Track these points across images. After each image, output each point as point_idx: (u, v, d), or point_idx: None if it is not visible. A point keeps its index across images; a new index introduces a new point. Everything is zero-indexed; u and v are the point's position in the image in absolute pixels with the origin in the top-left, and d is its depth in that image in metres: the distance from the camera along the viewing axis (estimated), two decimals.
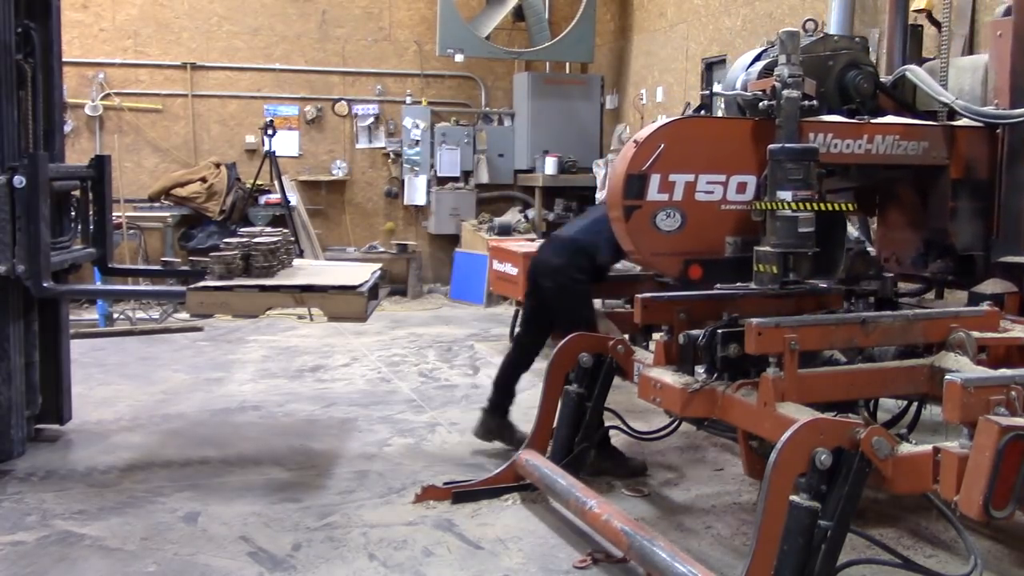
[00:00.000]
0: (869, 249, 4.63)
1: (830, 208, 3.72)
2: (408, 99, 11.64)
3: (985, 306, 3.90)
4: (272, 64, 11.37)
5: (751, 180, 3.85)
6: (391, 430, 5.57)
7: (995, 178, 4.42)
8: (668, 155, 3.76)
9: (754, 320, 3.36)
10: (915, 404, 4.34)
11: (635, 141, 3.81)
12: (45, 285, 4.68)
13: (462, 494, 4.35)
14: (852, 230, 4.66)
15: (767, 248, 3.70)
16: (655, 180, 3.74)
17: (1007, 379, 2.89)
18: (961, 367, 3.40)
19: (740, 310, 3.75)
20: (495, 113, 12.00)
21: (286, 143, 11.24)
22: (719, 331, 3.56)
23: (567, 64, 11.97)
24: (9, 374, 4.73)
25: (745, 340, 3.39)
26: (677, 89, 10.20)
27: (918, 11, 6.29)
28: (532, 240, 8.81)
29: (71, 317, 5.71)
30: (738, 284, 3.89)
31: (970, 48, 6.25)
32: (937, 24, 5.84)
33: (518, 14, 11.54)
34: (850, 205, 3.98)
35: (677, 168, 3.78)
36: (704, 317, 3.95)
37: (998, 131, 4.40)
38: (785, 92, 3.76)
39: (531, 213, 11.40)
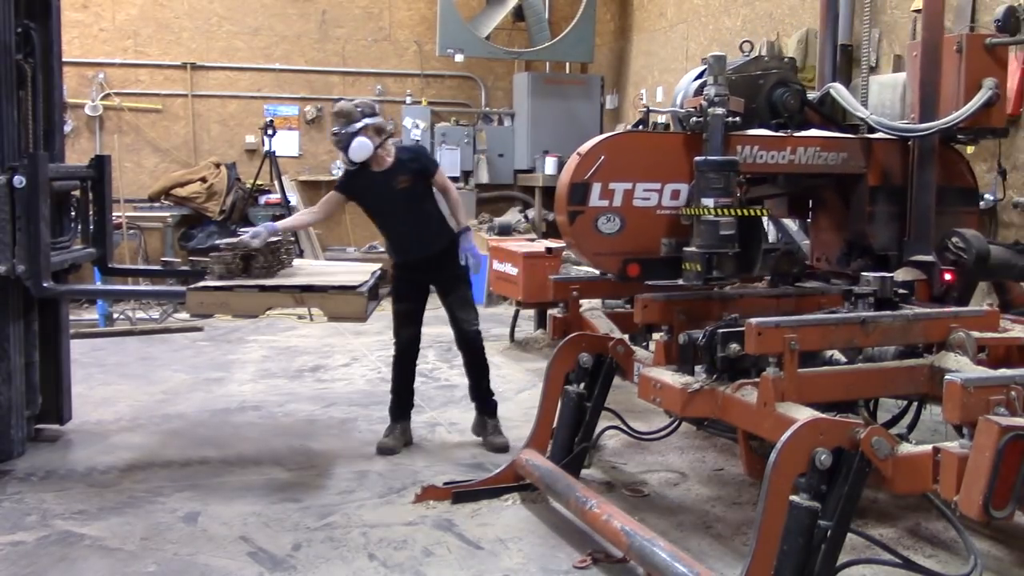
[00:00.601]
0: (805, 243, 5.21)
1: (748, 213, 4.21)
2: (408, 99, 11.64)
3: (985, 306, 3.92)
4: (272, 64, 11.38)
5: (684, 187, 4.29)
6: None
7: (907, 185, 4.86)
8: (608, 165, 4.20)
9: (754, 320, 3.36)
10: (915, 404, 4.35)
11: (578, 153, 4.25)
12: (45, 285, 4.68)
13: (462, 494, 4.35)
14: (774, 232, 5.37)
15: (693, 248, 4.17)
16: (596, 188, 4.19)
17: (1007, 379, 2.89)
18: (961, 367, 3.40)
19: (740, 310, 3.76)
20: (495, 113, 12.01)
21: (286, 143, 11.25)
22: (719, 331, 3.56)
23: (567, 64, 11.98)
24: (9, 374, 4.73)
25: (745, 340, 3.39)
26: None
27: (917, 11, 6.30)
28: (532, 240, 8.81)
29: (71, 317, 5.71)
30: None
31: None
32: None
33: (518, 14, 11.55)
34: (764, 211, 4.39)
35: (616, 177, 4.22)
36: (704, 317, 3.98)
37: (910, 142, 4.84)
38: (711, 109, 4.21)
39: (531, 213, 11.40)
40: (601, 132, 11.65)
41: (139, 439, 5.40)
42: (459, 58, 11.05)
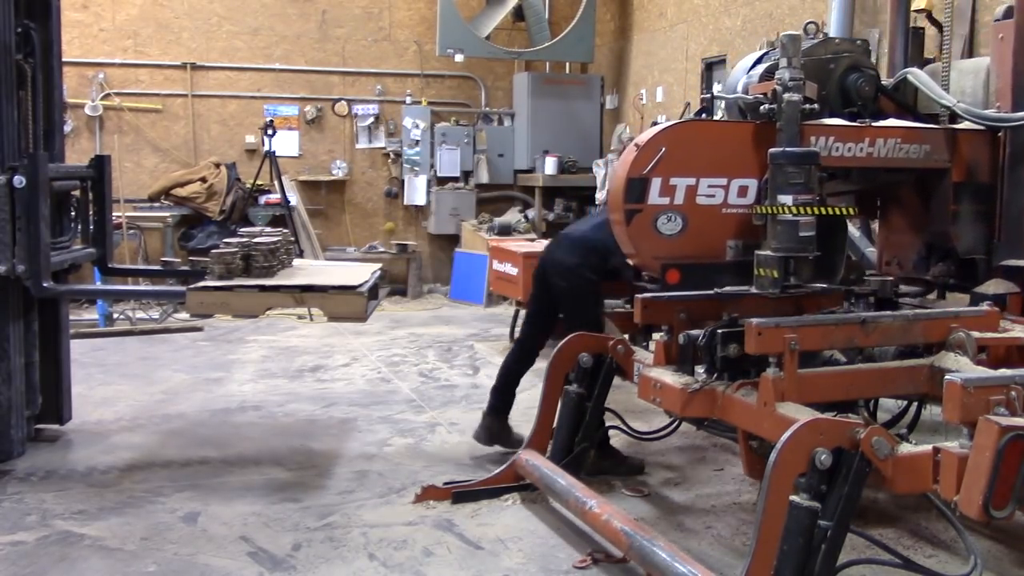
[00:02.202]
0: (869, 250, 4.61)
1: (831, 212, 3.73)
2: (408, 99, 11.64)
3: (986, 306, 3.90)
4: (272, 64, 11.37)
5: (752, 184, 3.83)
6: (391, 430, 5.57)
7: (997, 181, 4.38)
8: (669, 158, 3.74)
9: (754, 320, 3.36)
10: (915, 404, 4.35)
11: (636, 144, 3.79)
12: (45, 285, 4.68)
13: (462, 494, 4.35)
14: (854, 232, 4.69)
15: (768, 252, 3.68)
16: (656, 184, 3.73)
17: (1007, 379, 2.89)
18: (961, 367, 3.40)
19: (740, 310, 3.75)
20: (495, 113, 12.00)
21: (286, 143, 11.24)
22: (719, 331, 3.56)
23: (567, 64, 11.97)
24: (9, 374, 4.73)
25: (745, 340, 3.39)
26: (677, 89, 10.21)
27: (918, 11, 6.29)
28: (532, 240, 8.81)
29: (71, 317, 5.71)
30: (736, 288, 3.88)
31: (970, 49, 6.25)
32: (937, 25, 5.84)
33: (518, 14, 11.54)
34: (851, 209, 3.97)
35: (678, 172, 3.75)
36: (704, 317, 3.96)
37: (1000, 134, 4.36)
38: (786, 95, 3.75)
39: (531, 213, 11.40)
40: (601, 132, 11.72)
41: (139, 439, 5.40)
42: (459, 58, 11.05)
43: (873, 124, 4.08)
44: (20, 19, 4.83)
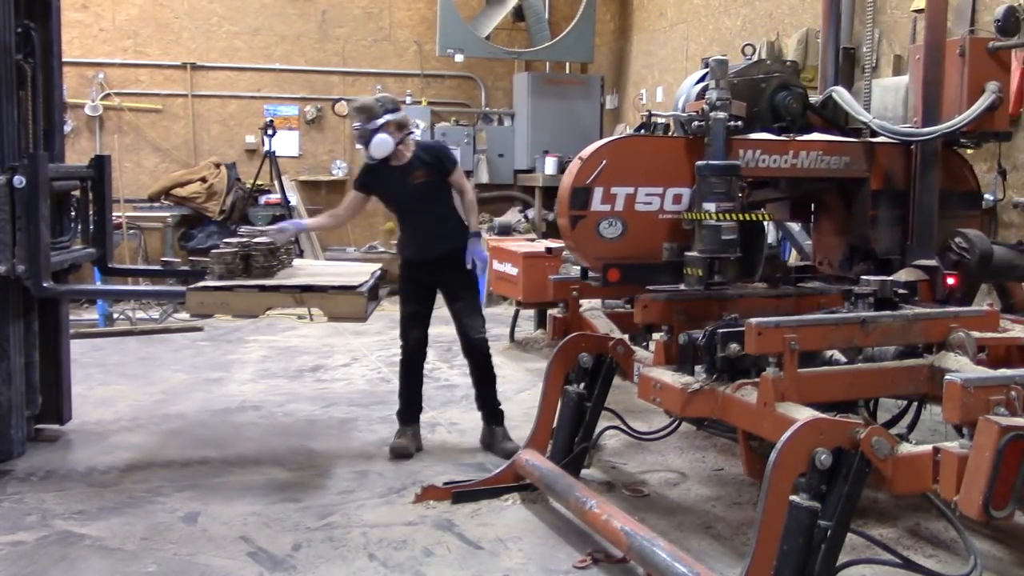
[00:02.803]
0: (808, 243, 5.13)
1: (749, 218, 4.19)
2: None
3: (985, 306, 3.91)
4: (272, 64, 11.37)
5: (686, 192, 4.27)
6: (391, 430, 5.55)
7: (910, 189, 4.85)
8: (610, 170, 4.18)
9: (754, 320, 3.36)
10: (915, 404, 4.35)
11: (580, 157, 4.23)
12: (45, 285, 4.68)
13: (462, 494, 4.35)
14: (774, 234, 5.39)
15: (695, 254, 4.14)
16: (598, 192, 4.17)
17: (1007, 379, 2.89)
18: (961, 367, 3.40)
19: (740, 310, 3.76)
20: (495, 113, 12.00)
21: (286, 143, 11.25)
22: (719, 331, 3.56)
23: (567, 64, 11.97)
24: (9, 374, 4.73)
25: (745, 340, 3.39)
26: (677, 89, 10.18)
27: (917, 11, 6.30)
28: (532, 240, 8.80)
29: (71, 317, 5.71)
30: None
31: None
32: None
33: (518, 14, 11.54)
34: (766, 216, 4.40)
35: (618, 182, 4.20)
36: (704, 317, 3.98)
37: (912, 146, 4.82)
38: (713, 114, 4.18)
39: (531, 213, 11.40)
40: (601, 132, 11.70)
41: (139, 439, 5.40)
42: (459, 58, 11.05)
43: (796, 138, 4.56)
44: (20, 19, 4.83)
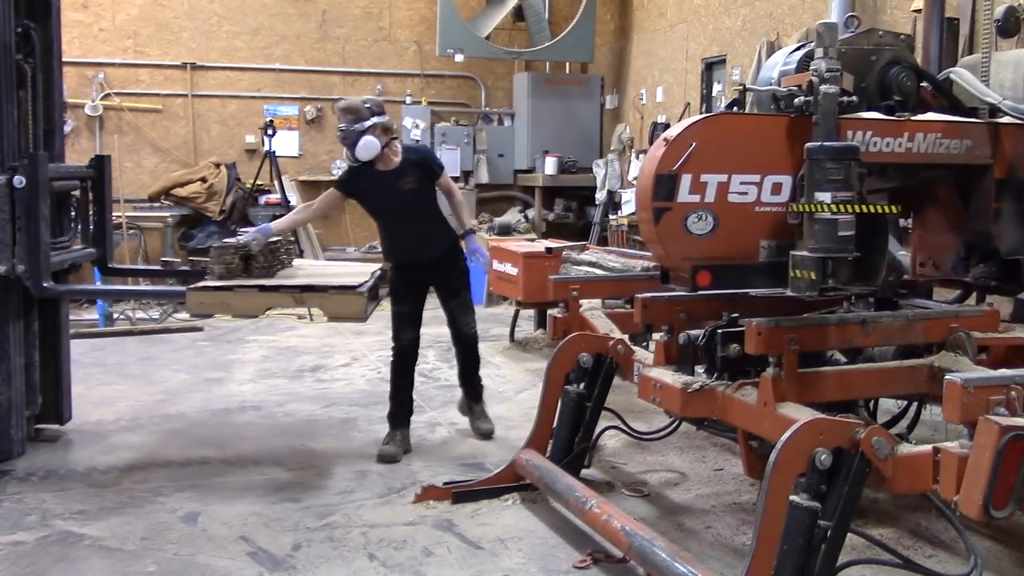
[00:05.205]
0: (902, 254, 4.46)
1: (872, 210, 3.48)
2: (408, 99, 11.63)
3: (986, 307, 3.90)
4: (272, 64, 11.37)
5: (787, 180, 3.59)
6: None
7: None
8: (700, 154, 3.51)
9: (754, 320, 3.36)
10: (915, 404, 4.34)
11: (665, 139, 3.57)
12: (45, 285, 4.68)
13: (462, 494, 4.35)
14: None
15: (804, 253, 3.42)
16: (686, 180, 3.50)
17: (1007, 379, 2.88)
18: (961, 367, 3.40)
19: (740, 310, 3.75)
20: (495, 113, 12.00)
21: (286, 143, 11.24)
22: (719, 331, 3.55)
23: (567, 64, 11.98)
24: (9, 374, 4.73)
25: (745, 340, 3.39)
26: (677, 89, 10.20)
27: (917, 11, 6.29)
28: (532, 240, 8.81)
29: (71, 317, 5.71)
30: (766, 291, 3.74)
31: (969, 47, 6.24)
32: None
33: (518, 14, 11.55)
34: (894, 208, 3.71)
35: (709, 168, 3.53)
36: (704, 317, 3.95)
37: None
38: (823, 87, 3.52)
39: (531, 213, 11.41)
40: (601, 132, 11.71)
41: (139, 439, 5.40)
42: (459, 58, 11.05)
43: (912, 118, 3.86)
44: (20, 19, 4.83)
